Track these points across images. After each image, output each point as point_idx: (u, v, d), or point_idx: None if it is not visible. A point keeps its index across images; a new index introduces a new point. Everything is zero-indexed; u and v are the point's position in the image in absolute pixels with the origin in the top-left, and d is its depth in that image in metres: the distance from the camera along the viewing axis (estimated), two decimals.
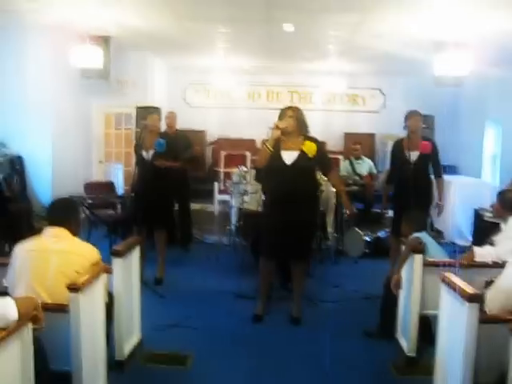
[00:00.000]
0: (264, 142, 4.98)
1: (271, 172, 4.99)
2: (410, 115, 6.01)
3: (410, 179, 5.80)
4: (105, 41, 7.53)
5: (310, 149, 4.89)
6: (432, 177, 6.15)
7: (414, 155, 5.89)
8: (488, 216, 7.41)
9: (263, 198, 5.87)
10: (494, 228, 6.35)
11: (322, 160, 5.05)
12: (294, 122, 4.88)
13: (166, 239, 6.29)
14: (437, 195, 6.22)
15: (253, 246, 6.35)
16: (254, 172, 7.23)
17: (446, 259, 4.33)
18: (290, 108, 5.03)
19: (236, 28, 8.04)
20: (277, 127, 4.81)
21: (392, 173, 6.31)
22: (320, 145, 5.04)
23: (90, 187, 8.03)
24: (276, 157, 4.87)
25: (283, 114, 4.95)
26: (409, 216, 4.92)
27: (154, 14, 7.08)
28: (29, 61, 8.55)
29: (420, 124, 5.97)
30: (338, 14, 6.89)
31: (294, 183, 4.80)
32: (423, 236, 4.48)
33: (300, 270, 5.17)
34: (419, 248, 4.24)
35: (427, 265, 4.18)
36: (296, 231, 4.89)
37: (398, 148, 6.11)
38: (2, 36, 8.40)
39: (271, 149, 4.84)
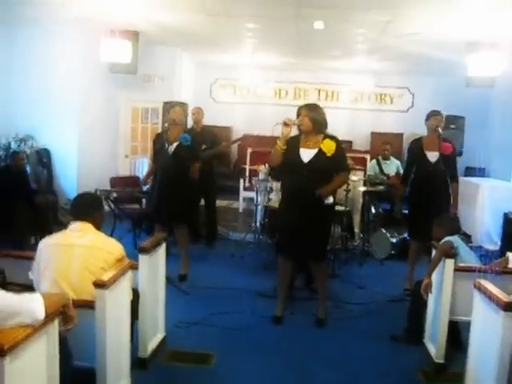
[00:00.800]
0: (276, 141, 4.85)
1: (288, 170, 4.90)
2: (431, 114, 5.87)
3: (428, 179, 5.71)
4: (134, 36, 7.55)
5: (329, 147, 4.80)
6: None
7: (433, 156, 5.76)
8: None
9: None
10: None
11: (339, 160, 4.92)
12: (309, 121, 4.78)
13: (187, 235, 6.25)
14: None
15: (277, 245, 6.29)
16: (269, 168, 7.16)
17: (478, 265, 4.23)
18: (304, 106, 4.92)
19: (264, 24, 7.98)
20: (285, 124, 4.71)
21: (408, 172, 6.16)
22: (339, 144, 4.94)
23: (116, 181, 8.02)
24: (294, 154, 4.79)
25: (298, 112, 4.86)
26: (441, 219, 4.81)
27: (183, 10, 7.06)
28: (58, 54, 8.62)
29: (441, 124, 5.82)
30: (368, 12, 6.81)
31: (310, 181, 4.70)
32: (455, 240, 4.38)
33: (319, 269, 5.09)
34: (451, 252, 4.14)
35: (458, 270, 4.08)
36: (311, 231, 4.81)
37: (417, 147, 5.96)
38: (33, 29, 8.48)
39: (283, 147, 4.76)
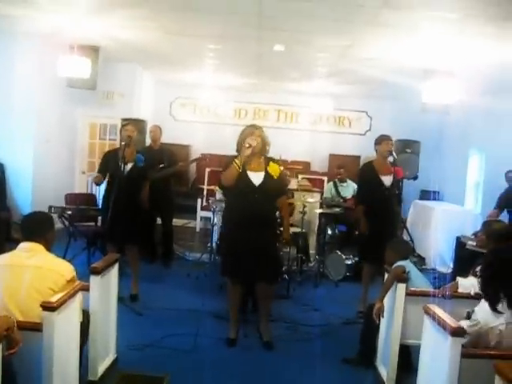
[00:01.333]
0: (234, 160, 4.83)
1: (238, 192, 4.88)
2: (382, 139, 5.99)
3: (383, 203, 5.79)
4: (93, 51, 7.49)
5: (275, 170, 4.89)
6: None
7: (387, 179, 5.86)
8: (470, 244, 7.38)
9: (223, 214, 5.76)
10: (476, 256, 6.36)
11: (281, 183, 5.06)
12: (260, 142, 4.84)
13: (138, 255, 6.19)
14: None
15: (224, 268, 6.25)
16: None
17: (429, 289, 4.29)
18: (256, 127, 4.98)
19: (226, 45, 8.04)
20: (250, 145, 4.71)
21: (362, 195, 6.23)
22: (281, 166, 5.06)
23: (71, 198, 7.90)
24: (243, 177, 4.80)
25: (251, 132, 4.86)
26: (393, 243, 4.87)
27: (145, 28, 7.06)
28: (15, 67, 8.50)
29: (391, 149, 5.93)
30: (328, 37, 6.94)
31: (260, 204, 4.76)
32: (407, 264, 4.45)
33: (266, 290, 5.05)
34: (403, 277, 4.20)
35: (410, 294, 4.13)
36: (261, 253, 4.82)
37: (371, 171, 6.05)
38: None
39: (240, 167, 4.76)
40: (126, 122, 6.28)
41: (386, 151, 5.86)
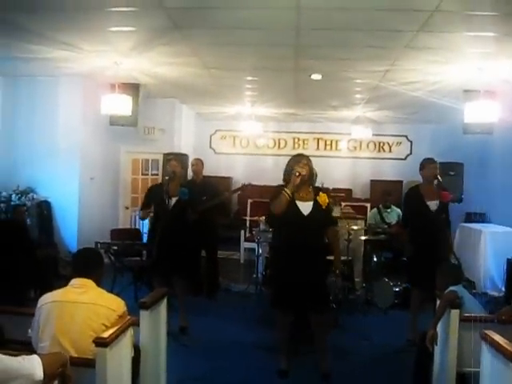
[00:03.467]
0: (282, 189, 4.78)
1: (287, 222, 4.85)
2: (426, 163, 5.89)
3: (430, 228, 5.68)
4: (134, 88, 7.62)
5: (324, 200, 4.85)
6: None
7: (433, 204, 5.76)
8: None
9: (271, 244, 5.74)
10: None
11: (330, 213, 5.03)
12: (309, 171, 4.81)
13: (186, 288, 6.20)
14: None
15: (274, 299, 6.21)
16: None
17: (483, 313, 4.17)
18: (304, 156, 4.95)
19: (263, 76, 8.13)
20: (299, 174, 4.69)
21: (407, 220, 6.16)
22: (330, 196, 5.06)
23: (116, 233, 8.01)
24: (292, 206, 4.76)
25: (298, 160, 4.83)
26: (444, 267, 4.76)
27: (183, 63, 7.18)
28: (58, 108, 8.76)
29: (436, 172, 5.84)
30: (366, 63, 6.94)
31: (309, 234, 4.72)
32: (459, 290, 4.33)
33: (321, 322, 4.96)
34: (456, 303, 4.09)
35: (464, 320, 4.02)
36: (311, 284, 4.75)
37: (417, 196, 5.93)
38: (34, 83, 8.63)
39: (291, 195, 4.71)
40: (171, 156, 6.36)
41: (430, 175, 5.78)
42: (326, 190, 5.00)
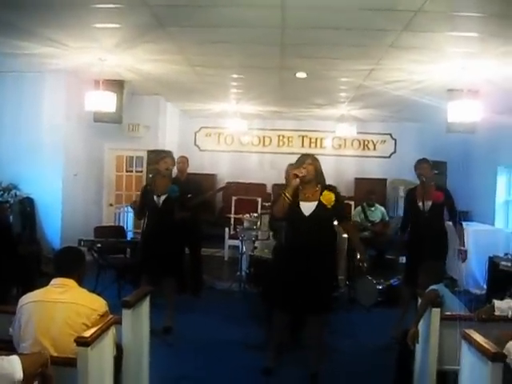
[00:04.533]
0: (282, 191, 4.82)
1: (289, 223, 4.88)
2: (419, 164, 5.97)
3: (424, 228, 5.73)
4: (118, 85, 7.58)
5: (329, 199, 4.76)
6: (449, 223, 6.09)
7: (427, 204, 5.82)
8: (503, 264, 7.29)
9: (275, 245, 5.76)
10: (510, 277, 6.25)
11: (340, 210, 4.94)
12: (312, 171, 4.76)
13: (174, 287, 6.18)
14: (457, 241, 6.12)
15: (264, 294, 6.22)
16: (267, 219, 7.12)
17: (464, 312, 4.21)
18: (308, 156, 4.92)
19: (248, 74, 8.12)
20: (296, 176, 4.68)
21: (405, 221, 6.26)
22: (338, 193, 4.92)
23: (100, 231, 7.97)
24: (294, 207, 4.74)
25: (301, 161, 4.81)
26: (426, 267, 4.79)
27: (168, 61, 7.15)
28: (43, 104, 8.70)
29: (429, 171, 5.90)
30: (351, 62, 6.95)
31: (312, 235, 4.67)
32: (440, 288, 4.37)
33: (319, 323, 4.96)
34: (437, 301, 4.13)
35: (445, 318, 4.06)
36: (315, 284, 4.71)
37: (411, 197, 6.09)
38: (18, 80, 8.55)
39: (290, 198, 4.72)
40: (165, 154, 6.33)
41: (419, 175, 5.86)
42: (332, 188, 4.89)
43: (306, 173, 4.71)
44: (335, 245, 5.18)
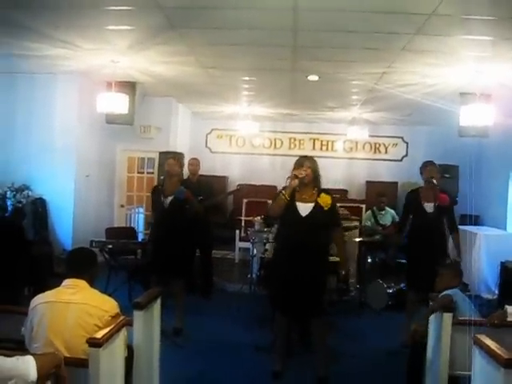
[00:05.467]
0: (281, 191, 4.88)
1: (285, 223, 4.92)
2: (425, 166, 5.94)
3: (426, 231, 5.71)
4: (131, 87, 7.61)
5: (326, 201, 4.82)
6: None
7: (430, 206, 5.79)
8: None
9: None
10: None
11: (334, 214, 4.98)
12: (311, 173, 4.82)
13: (184, 288, 6.18)
14: (451, 250, 6.07)
15: (273, 300, 6.21)
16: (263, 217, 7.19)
17: (477, 318, 4.18)
18: (307, 158, 4.97)
19: (260, 77, 8.13)
20: (295, 177, 4.72)
21: (404, 222, 6.20)
22: (334, 198, 4.99)
23: (111, 232, 8.00)
24: (291, 208, 4.78)
25: (300, 163, 4.85)
26: (446, 270, 4.77)
27: (180, 62, 7.16)
28: (56, 105, 8.73)
29: (434, 174, 5.87)
30: (363, 65, 6.94)
31: (308, 236, 4.70)
32: (455, 293, 4.35)
33: (320, 325, 4.96)
34: (450, 306, 4.10)
35: (457, 323, 4.04)
36: (310, 285, 4.75)
37: (415, 198, 6.01)
38: (30, 81, 8.59)
39: (288, 198, 4.76)
40: (170, 155, 6.38)
41: (427, 177, 5.81)
42: (329, 193, 4.94)
43: (306, 175, 4.74)
44: (329, 247, 5.22)
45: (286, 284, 4.80)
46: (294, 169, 4.83)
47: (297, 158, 5.01)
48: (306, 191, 4.84)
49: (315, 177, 4.87)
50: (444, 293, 4.35)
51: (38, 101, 8.74)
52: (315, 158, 5.05)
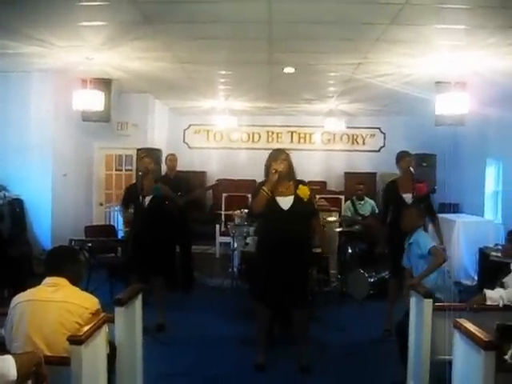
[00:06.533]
0: (261, 187, 4.86)
1: (267, 218, 4.92)
2: (401, 156, 5.98)
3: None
4: (106, 84, 7.55)
5: (305, 193, 4.85)
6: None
7: (408, 197, 5.84)
8: (494, 255, 7.33)
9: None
10: (501, 267, 6.27)
11: (312, 205, 5.01)
12: (287, 166, 4.83)
13: (163, 285, 6.17)
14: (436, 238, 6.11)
15: (254, 292, 6.21)
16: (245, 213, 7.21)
17: (456, 303, 4.23)
18: (282, 151, 4.98)
19: (237, 70, 8.11)
20: (276, 171, 4.72)
21: (385, 213, 6.25)
22: (311, 189, 5.03)
23: (91, 230, 7.95)
24: (271, 202, 4.79)
25: (275, 156, 4.85)
26: (408, 211, 5.13)
27: (156, 58, 7.12)
28: (30, 104, 8.62)
29: (411, 165, 5.92)
30: (338, 56, 6.96)
31: (291, 229, 4.71)
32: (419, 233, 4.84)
33: (301, 315, 4.99)
34: (428, 293, 4.14)
35: (437, 309, 4.07)
36: (294, 277, 4.78)
37: (393, 189, 6.06)
38: (5, 79, 8.48)
39: (269, 193, 4.76)
40: (143, 153, 6.36)
41: (404, 168, 5.85)
42: (305, 183, 4.98)
43: (283, 168, 4.76)
44: (312, 238, 5.25)
45: (271, 277, 4.80)
46: (270, 163, 4.82)
47: (270, 152, 5.01)
48: (282, 184, 4.85)
49: (290, 169, 4.88)
50: (433, 246, 4.74)
51: (13, 100, 8.62)
52: (288, 151, 5.06)
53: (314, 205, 5.18)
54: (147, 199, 5.93)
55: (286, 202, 4.80)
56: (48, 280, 3.36)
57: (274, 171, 4.71)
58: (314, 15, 5.40)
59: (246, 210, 7.69)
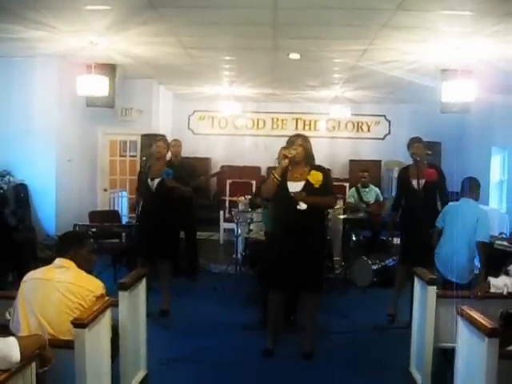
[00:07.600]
0: (272, 172, 4.87)
1: (277, 203, 4.93)
2: (412, 143, 5.96)
3: (417, 207, 5.72)
4: (111, 69, 7.52)
5: (317, 179, 4.78)
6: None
7: (421, 183, 5.81)
8: (498, 243, 7.30)
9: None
10: (505, 256, 6.28)
11: (326, 188, 4.90)
12: (302, 152, 4.79)
13: (170, 270, 6.18)
14: None
15: (260, 276, 6.23)
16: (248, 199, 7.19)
17: (460, 291, 4.22)
18: (298, 136, 4.94)
19: (241, 56, 8.06)
20: (285, 156, 4.70)
21: (398, 200, 6.26)
22: (326, 173, 4.96)
23: (95, 216, 7.96)
24: (282, 187, 4.78)
25: (292, 142, 4.82)
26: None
27: (160, 43, 7.08)
28: (35, 89, 8.58)
29: (423, 151, 5.89)
30: (344, 42, 6.90)
31: (299, 214, 4.68)
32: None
33: (312, 302, 4.98)
34: (433, 280, 4.14)
35: (441, 296, 4.08)
36: (305, 263, 4.76)
37: (405, 176, 6.07)
38: (9, 64, 8.45)
39: (279, 178, 4.75)
40: (159, 137, 6.36)
41: (412, 154, 5.83)
42: (321, 169, 4.90)
43: (296, 153, 4.72)
44: (323, 225, 5.23)
45: (283, 261, 4.78)
46: (285, 148, 4.80)
47: (289, 137, 4.96)
48: (297, 170, 4.82)
49: (307, 154, 4.84)
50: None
51: (17, 84, 8.59)
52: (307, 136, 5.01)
53: (329, 187, 4.99)
54: (156, 181, 5.93)
55: (295, 188, 4.77)
56: (57, 261, 3.45)
57: (283, 156, 4.70)
58: (319, 1, 5.36)
59: (250, 197, 7.70)
